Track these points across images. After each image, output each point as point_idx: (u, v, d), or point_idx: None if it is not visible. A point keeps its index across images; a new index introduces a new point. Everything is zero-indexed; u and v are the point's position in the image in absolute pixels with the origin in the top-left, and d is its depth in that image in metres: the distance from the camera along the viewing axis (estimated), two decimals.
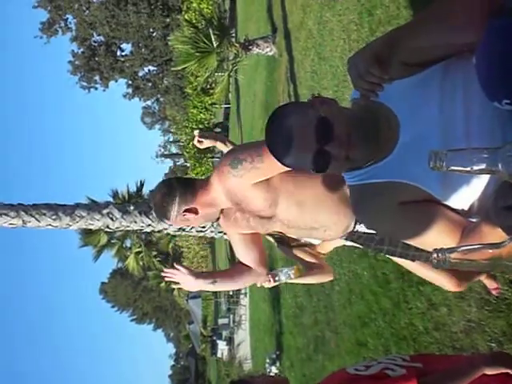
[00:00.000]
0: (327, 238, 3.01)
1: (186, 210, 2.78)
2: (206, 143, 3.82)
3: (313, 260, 3.55)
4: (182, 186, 2.88)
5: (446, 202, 1.73)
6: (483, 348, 3.93)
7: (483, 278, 3.72)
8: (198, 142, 3.83)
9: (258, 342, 17.93)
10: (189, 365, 40.70)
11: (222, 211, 2.88)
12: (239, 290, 25.44)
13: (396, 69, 1.68)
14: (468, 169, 1.25)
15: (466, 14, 1.56)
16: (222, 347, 27.88)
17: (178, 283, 3.03)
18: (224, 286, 3.13)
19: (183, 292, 31.77)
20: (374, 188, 1.78)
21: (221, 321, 28.65)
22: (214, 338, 30.38)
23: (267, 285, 3.37)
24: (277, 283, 3.37)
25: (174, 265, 2.98)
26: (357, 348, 6.79)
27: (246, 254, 2.99)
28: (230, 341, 27.69)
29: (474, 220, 1.74)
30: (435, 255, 1.30)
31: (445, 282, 3.14)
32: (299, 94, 11.40)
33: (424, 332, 4.93)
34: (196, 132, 3.89)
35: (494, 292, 3.82)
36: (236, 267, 3.08)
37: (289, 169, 1.94)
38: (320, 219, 2.74)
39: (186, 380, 52.98)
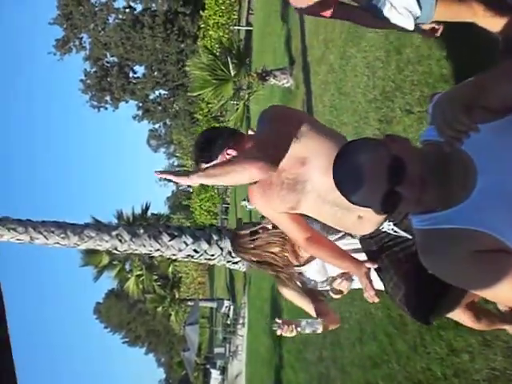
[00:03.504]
0: (356, 229, 2.95)
1: (231, 147, 2.77)
2: None
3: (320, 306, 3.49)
4: (230, 129, 3.03)
5: None
6: None
7: (508, 328, 3.64)
8: None
9: (254, 375, 17.69)
10: None
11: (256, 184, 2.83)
12: (237, 320, 25.22)
13: (478, 114, 1.63)
14: None
15: None
16: (216, 376, 27.58)
17: None
18: None
19: (180, 318, 31.49)
20: (445, 234, 1.71)
21: (216, 350, 28.33)
22: (208, 366, 30.06)
23: (288, 334, 3.27)
24: (296, 333, 3.29)
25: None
26: None
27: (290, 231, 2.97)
28: (223, 370, 27.38)
29: None
30: None
31: (463, 317, 3.13)
32: None
33: (442, 378, 4.80)
34: None
35: None
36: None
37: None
38: None
39: None
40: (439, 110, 1.59)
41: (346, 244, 3.23)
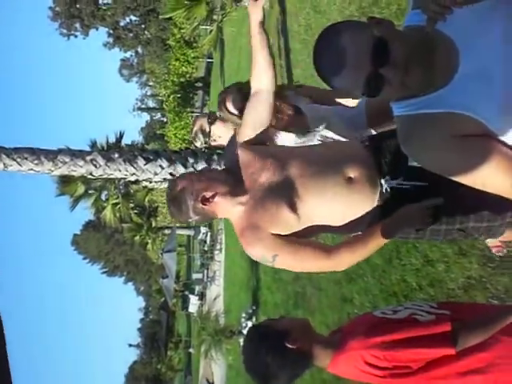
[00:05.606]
0: None
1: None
2: None
3: None
4: None
5: (503, 138, 1.64)
6: None
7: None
8: None
9: (232, 298, 18.01)
10: (159, 318, 40.98)
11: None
12: (214, 246, 25.46)
13: None
14: None
15: None
16: (194, 302, 28.00)
17: None
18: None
19: (157, 246, 31.69)
20: (426, 119, 1.67)
21: (195, 276, 28.72)
22: (186, 292, 30.50)
23: None
24: None
25: None
26: (341, 303, 6.76)
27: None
28: (202, 296, 27.82)
29: None
30: None
31: None
32: (291, 47, 11.17)
33: (417, 288, 4.89)
34: None
35: (494, 250, 3.78)
36: None
37: None
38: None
39: (154, 333, 53.35)
40: None
41: None
